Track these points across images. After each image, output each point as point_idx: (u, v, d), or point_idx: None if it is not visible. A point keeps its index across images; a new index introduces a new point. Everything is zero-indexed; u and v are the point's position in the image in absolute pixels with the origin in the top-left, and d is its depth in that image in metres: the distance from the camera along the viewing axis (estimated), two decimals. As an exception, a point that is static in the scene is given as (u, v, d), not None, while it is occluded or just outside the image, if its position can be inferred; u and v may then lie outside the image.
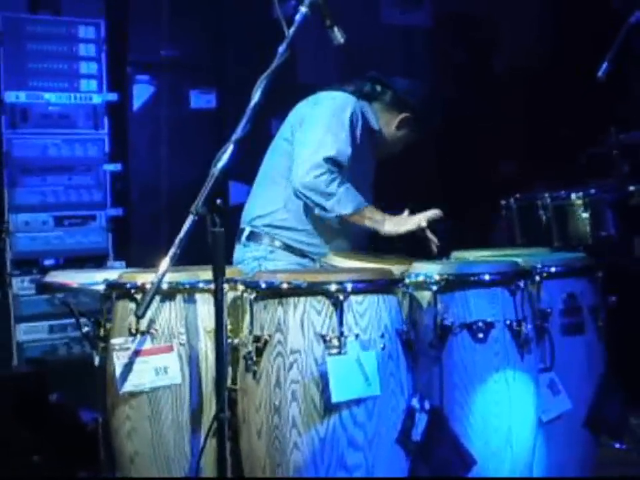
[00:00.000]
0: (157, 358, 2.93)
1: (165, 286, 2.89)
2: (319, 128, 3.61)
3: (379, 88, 3.84)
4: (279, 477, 2.82)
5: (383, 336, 2.85)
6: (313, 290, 2.83)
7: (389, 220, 3.63)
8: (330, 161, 3.55)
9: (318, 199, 3.55)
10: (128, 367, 2.90)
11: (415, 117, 3.84)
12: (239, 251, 3.75)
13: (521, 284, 3.13)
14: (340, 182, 3.56)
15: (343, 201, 3.57)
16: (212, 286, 2.68)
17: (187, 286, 2.99)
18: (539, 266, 3.31)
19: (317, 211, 3.59)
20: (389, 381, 2.84)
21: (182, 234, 2.63)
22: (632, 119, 4.79)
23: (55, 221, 5.15)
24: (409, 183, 5.94)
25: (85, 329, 3.17)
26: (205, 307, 2.98)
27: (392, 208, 4.08)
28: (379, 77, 3.87)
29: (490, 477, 3.04)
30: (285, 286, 2.86)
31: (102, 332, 3.11)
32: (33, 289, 4.95)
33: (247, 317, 2.91)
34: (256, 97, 2.76)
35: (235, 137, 2.71)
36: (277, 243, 3.70)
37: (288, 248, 3.69)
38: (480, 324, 3.04)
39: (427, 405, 2.93)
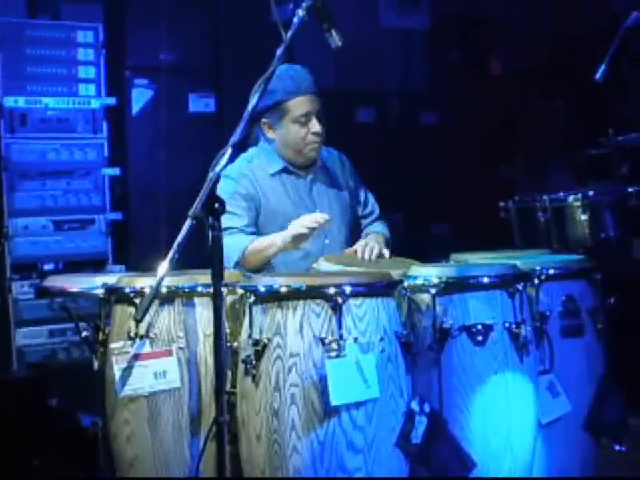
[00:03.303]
0: (156, 362, 2.92)
1: (163, 290, 2.89)
2: None
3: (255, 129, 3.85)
4: (278, 477, 2.81)
5: (382, 339, 2.85)
6: (312, 293, 2.83)
7: (279, 236, 3.59)
8: None
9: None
10: (127, 371, 2.90)
11: (268, 109, 3.75)
12: None
13: (520, 286, 3.13)
14: (226, 237, 3.59)
15: (227, 255, 3.45)
16: (211, 290, 2.67)
17: (186, 290, 2.98)
18: (538, 268, 3.31)
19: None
20: (388, 384, 2.84)
21: (180, 238, 2.63)
22: (630, 120, 4.79)
23: (54, 226, 5.15)
24: (407, 187, 5.95)
25: (84, 334, 3.16)
26: (203, 311, 2.97)
27: (390, 212, 4.09)
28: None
29: (491, 477, 3.04)
30: (283, 289, 2.86)
31: (101, 336, 3.10)
32: (32, 294, 4.96)
33: (246, 321, 2.91)
34: (253, 100, 2.76)
35: (232, 140, 2.71)
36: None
37: None
38: (479, 327, 3.04)
39: (426, 408, 2.93)
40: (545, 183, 6.02)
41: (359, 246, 3.72)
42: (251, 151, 3.89)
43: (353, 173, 4.04)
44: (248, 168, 3.80)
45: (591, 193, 4.10)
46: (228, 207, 3.63)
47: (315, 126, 3.75)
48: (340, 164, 4.01)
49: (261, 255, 3.63)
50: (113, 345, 2.95)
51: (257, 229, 3.75)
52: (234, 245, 3.60)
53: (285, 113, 3.75)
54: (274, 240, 3.60)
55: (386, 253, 3.69)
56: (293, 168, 3.85)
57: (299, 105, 3.74)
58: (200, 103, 5.65)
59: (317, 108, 3.77)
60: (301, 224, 3.52)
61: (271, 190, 3.80)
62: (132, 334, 2.94)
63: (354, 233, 3.95)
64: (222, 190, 3.68)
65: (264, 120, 3.79)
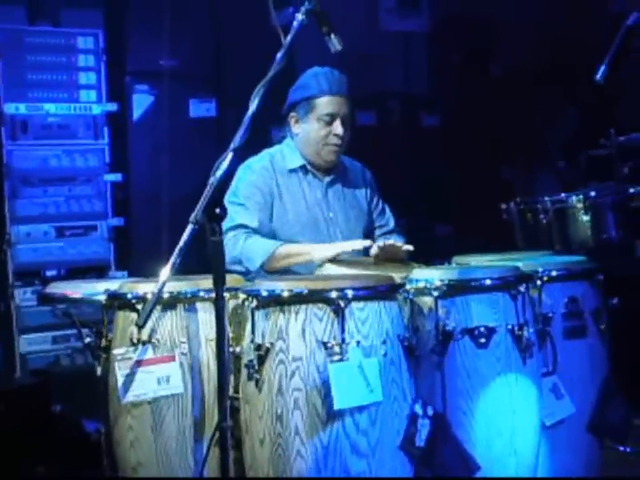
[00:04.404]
0: (159, 367, 2.92)
1: (165, 295, 2.89)
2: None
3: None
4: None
5: (384, 342, 2.85)
6: (314, 297, 2.83)
7: (317, 248, 3.59)
8: (230, 229, 3.61)
9: (238, 266, 3.58)
10: (130, 377, 2.90)
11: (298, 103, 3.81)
12: None
13: (522, 288, 3.12)
14: (245, 239, 3.62)
15: (250, 256, 3.60)
16: (213, 295, 2.67)
17: (188, 295, 2.99)
18: (540, 270, 3.31)
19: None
20: (391, 387, 2.84)
21: (182, 243, 2.63)
22: (631, 121, 4.78)
23: (56, 232, 5.15)
24: (409, 189, 5.95)
25: (87, 340, 3.16)
26: (206, 316, 2.97)
27: (393, 215, 4.08)
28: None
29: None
30: (285, 294, 2.86)
31: (104, 342, 3.10)
32: (35, 300, 4.96)
33: (248, 325, 2.91)
34: (254, 105, 2.76)
35: (233, 145, 2.71)
36: None
37: None
38: (482, 329, 3.04)
39: (429, 411, 2.92)
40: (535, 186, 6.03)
41: (377, 250, 3.64)
42: (276, 147, 3.92)
43: (374, 187, 4.04)
44: (269, 161, 3.83)
45: (592, 193, 4.09)
46: (242, 200, 3.70)
47: (338, 128, 3.77)
48: (362, 176, 4.01)
49: (289, 261, 3.63)
50: (115, 351, 2.95)
51: (271, 224, 3.75)
52: (260, 248, 3.61)
53: (312, 109, 3.77)
54: (308, 250, 3.60)
55: (409, 247, 3.60)
56: (312, 168, 3.85)
57: (327, 103, 3.76)
58: (201, 108, 5.65)
59: (344, 112, 3.79)
60: (345, 246, 3.52)
61: (286, 186, 3.81)
62: (134, 340, 2.94)
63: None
64: (239, 180, 3.73)
65: (292, 114, 3.84)
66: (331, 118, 3.77)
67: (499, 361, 3.05)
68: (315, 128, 3.79)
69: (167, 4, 5.54)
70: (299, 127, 3.83)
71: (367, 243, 3.53)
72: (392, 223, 4.05)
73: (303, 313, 2.83)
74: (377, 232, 4.02)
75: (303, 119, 3.81)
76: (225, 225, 3.32)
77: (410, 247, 3.59)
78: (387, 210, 4.05)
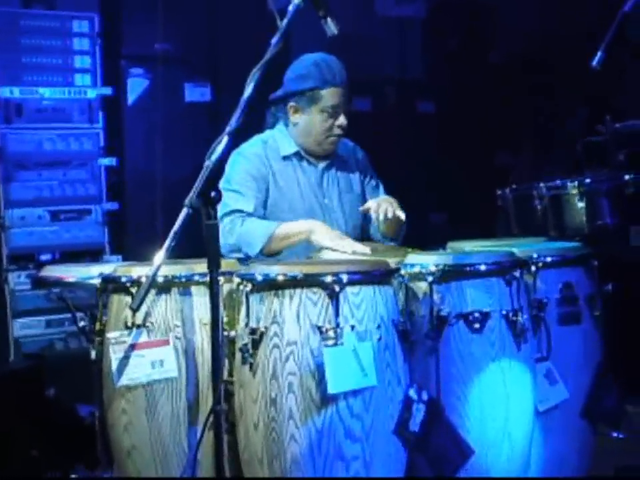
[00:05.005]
0: (153, 351, 2.92)
1: (160, 279, 2.89)
2: None
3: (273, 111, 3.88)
4: (279, 477, 2.81)
5: (379, 327, 2.85)
6: (309, 281, 2.82)
7: (317, 230, 3.56)
8: (225, 215, 3.59)
9: (237, 254, 3.55)
10: (124, 361, 2.90)
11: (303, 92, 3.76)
12: None
13: (517, 274, 3.12)
14: (241, 223, 3.60)
15: (249, 241, 3.57)
16: (207, 278, 2.67)
17: (183, 279, 2.98)
18: (535, 256, 3.31)
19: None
20: (386, 372, 2.84)
21: (176, 227, 2.62)
22: (627, 107, 4.78)
23: (51, 216, 5.15)
24: (405, 176, 5.94)
25: (81, 324, 3.16)
26: (200, 300, 2.97)
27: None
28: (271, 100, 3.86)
29: (491, 477, 3.04)
30: (280, 278, 2.85)
31: (98, 326, 3.10)
32: (29, 284, 4.96)
33: (243, 309, 2.91)
34: (249, 89, 2.75)
35: (228, 129, 2.70)
36: None
37: None
38: (476, 314, 3.04)
39: (424, 396, 2.93)
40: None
41: (372, 203, 3.66)
42: (268, 132, 3.89)
43: (368, 165, 4.03)
44: (262, 148, 3.80)
45: (587, 180, 4.09)
46: (235, 186, 3.68)
47: (342, 120, 3.76)
48: (354, 156, 4.00)
49: (289, 241, 3.60)
50: (109, 335, 2.95)
51: (265, 211, 3.74)
52: (258, 230, 3.59)
53: (316, 100, 3.74)
54: (308, 228, 3.56)
55: (401, 214, 3.62)
56: (306, 154, 3.84)
57: (332, 95, 3.74)
58: (196, 93, 5.64)
59: (346, 102, 3.77)
60: (342, 244, 3.46)
61: (280, 172, 3.79)
62: (129, 323, 2.93)
63: (363, 230, 3.94)
64: (232, 167, 3.71)
65: (292, 103, 3.79)
66: (335, 109, 3.75)
67: (493, 346, 3.05)
68: (318, 119, 3.76)
69: (162, -12, 5.53)
70: (299, 116, 3.79)
71: (368, 252, 3.44)
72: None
73: (298, 297, 2.82)
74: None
75: (305, 109, 3.77)
76: (220, 212, 3.32)
77: (402, 215, 3.60)
78: (382, 189, 4.04)
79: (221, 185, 3.52)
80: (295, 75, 3.79)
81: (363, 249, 3.46)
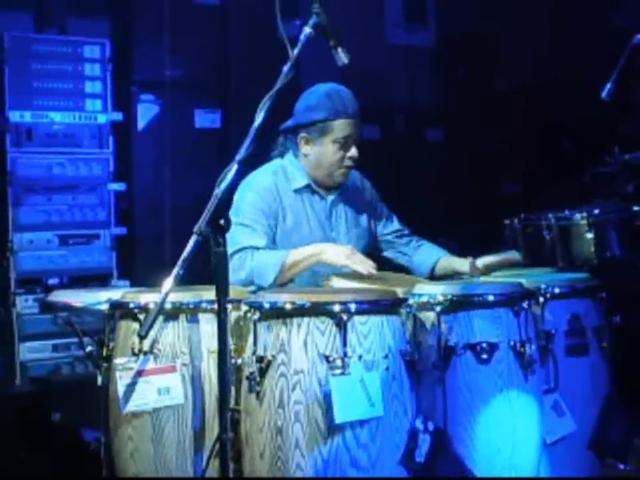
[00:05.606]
0: (160, 378, 2.92)
1: (168, 306, 2.89)
2: None
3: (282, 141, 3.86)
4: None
5: (386, 357, 2.84)
6: (317, 310, 2.82)
7: (327, 251, 3.55)
8: (236, 252, 3.56)
9: (251, 287, 3.51)
10: (131, 387, 2.89)
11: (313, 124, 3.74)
12: None
13: (525, 305, 3.12)
14: (251, 256, 3.57)
15: (261, 272, 3.55)
16: (215, 306, 2.67)
17: (190, 306, 2.98)
18: (543, 287, 3.31)
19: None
20: (393, 402, 2.83)
21: (185, 254, 2.62)
22: (636, 138, 4.78)
23: (59, 240, 5.16)
24: (413, 204, 5.94)
25: (89, 349, 3.15)
26: (208, 327, 2.97)
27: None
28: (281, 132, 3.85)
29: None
30: (288, 306, 2.85)
31: (105, 352, 3.10)
32: (36, 308, 4.96)
33: (250, 337, 2.91)
34: (260, 117, 2.76)
35: (238, 157, 2.70)
36: None
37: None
38: (484, 345, 3.03)
39: (430, 426, 2.92)
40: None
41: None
42: (277, 161, 3.86)
43: (375, 195, 4.03)
44: (272, 180, 3.76)
45: (596, 211, 4.07)
46: (246, 221, 3.64)
47: (354, 151, 3.74)
48: (360, 185, 4.00)
49: (298, 268, 3.57)
50: (117, 361, 2.94)
51: (274, 246, 3.71)
52: (270, 261, 3.56)
53: (327, 132, 3.72)
54: (319, 251, 3.55)
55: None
56: (317, 187, 3.83)
57: (344, 126, 3.72)
58: (206, 119, 5.65)
59: (358, 133, 3.76)
60: (353, 259, 3.46)
61: (291, 207, 3.76)
62: (136, 350, 2.93)
63: (372, 258, 3.92)
64: (242, 199, 3.65)
65: (303, 134, 3.77)
66: (347, 141, 3.73)
67: (500, 377, 3.04)
68: (330, 151, 3.74)
69: (173, 14, 5.55)
70: (310, 148, 3.77)
71: (373, 271, 3.43)
72: (407, 228, 4.05)
73: (305, 326, 2.82)
74: (398, 241, 4.02)
75: (316, 140, 3.75)
76: (230, 248, 3.29)
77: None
78: (394, 216, 4.04)
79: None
80: (306, 106, 3.77)
81: (370, 267, 3.44)
